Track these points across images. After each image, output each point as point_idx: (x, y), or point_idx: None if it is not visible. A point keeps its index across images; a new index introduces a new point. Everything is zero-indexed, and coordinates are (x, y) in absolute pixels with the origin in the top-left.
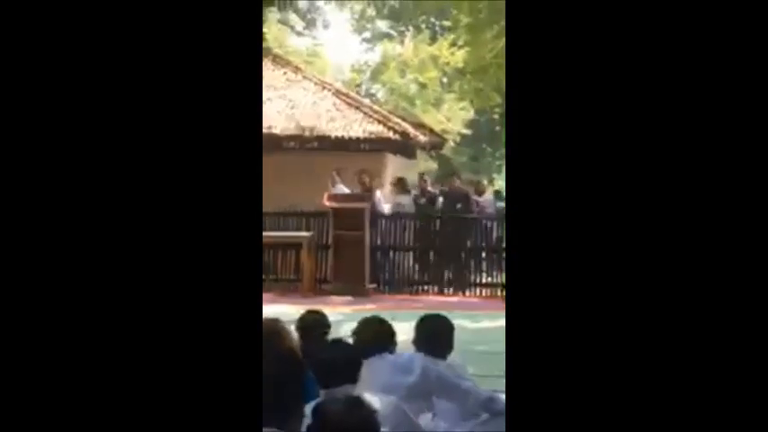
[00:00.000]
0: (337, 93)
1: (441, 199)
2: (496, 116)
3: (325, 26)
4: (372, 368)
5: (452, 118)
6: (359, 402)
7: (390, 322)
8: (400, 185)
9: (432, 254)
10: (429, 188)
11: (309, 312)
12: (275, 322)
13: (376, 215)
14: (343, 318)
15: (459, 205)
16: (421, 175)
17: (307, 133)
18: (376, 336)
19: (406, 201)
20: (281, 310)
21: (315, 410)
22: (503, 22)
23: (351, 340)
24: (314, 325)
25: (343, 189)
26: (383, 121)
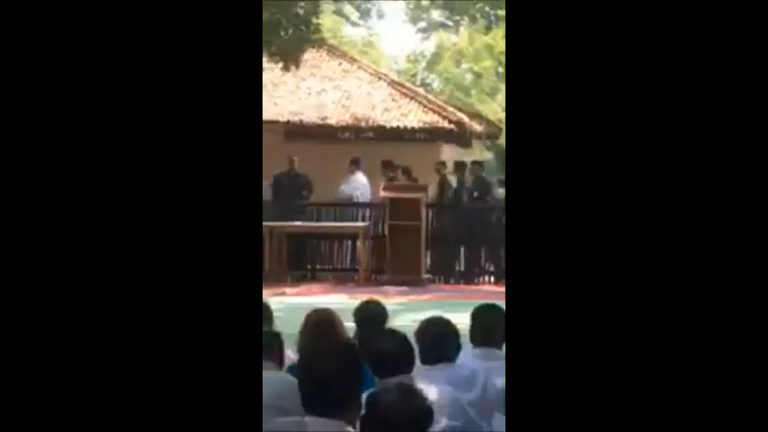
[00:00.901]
0: (392, 83)
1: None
2: None
3: (380, 16)
4: (431, 380)
5: None
6: (413, 392)
7: (453, 323)
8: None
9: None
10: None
11: (367, 302)
12: (328, 313)
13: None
14: (400, 308)
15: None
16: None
17: (362, 124)
18: (438, 341)
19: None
20: (338, 300)
21: (369, 400)
22: None
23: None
24: (371, 315)
25: (361, 179)
26: (438, 111)
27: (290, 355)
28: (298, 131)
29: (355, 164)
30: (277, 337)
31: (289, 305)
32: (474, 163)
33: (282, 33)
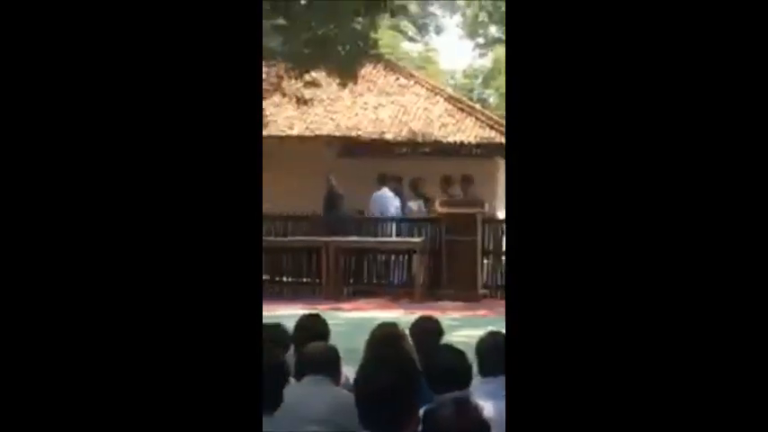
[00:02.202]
0: (449, 98)
1: None
2: None
3: (438, 32)
4: (489, 395)
5: None
6: (470, 407)
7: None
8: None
9: None
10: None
11: (423, 318)
12: (394, 328)
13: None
14: (456, 323)
15: None
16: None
17: (419, 139)
18: (500, 352)
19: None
20: (393, 316)
21: (426, 415)
22: None
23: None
24: (427, 331)
25: (387, 193)
26: (495, 127)
27: (346, 370)
28: (354, 147)
29: (381, 180)
30: (333, 352)
31: (345, 320)
32: None
33: (340, 48)
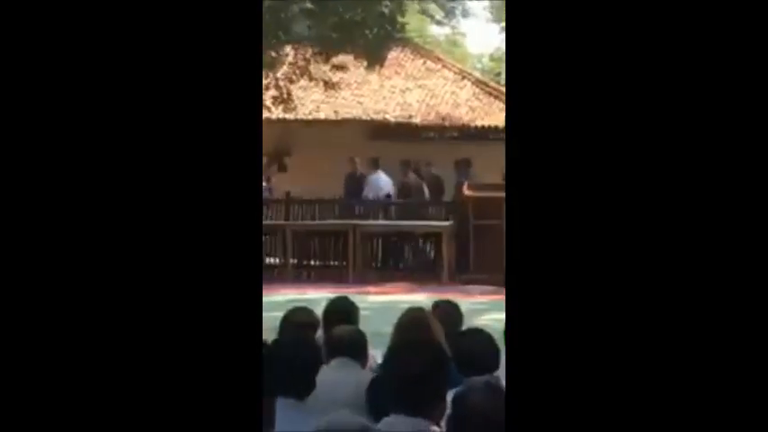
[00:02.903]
0: (477, 82)
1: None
2: None
3: (465, 15)
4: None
5: None
6: (499, 390)
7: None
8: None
9: None
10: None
11: (442, 302)
12: (423, 312)
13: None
14: (483, 306)
15: None
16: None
17: (446, 122)
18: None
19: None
20: (421, 299)
21: (455, 399)
22: None
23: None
24: (446, 315)
25: (383, 178)
26: None
27: (373, 353)
28: (382, 130)
29: (374, 164)
30: (361, 336)
31: (372, 304)
32: None
33: (367, 32)
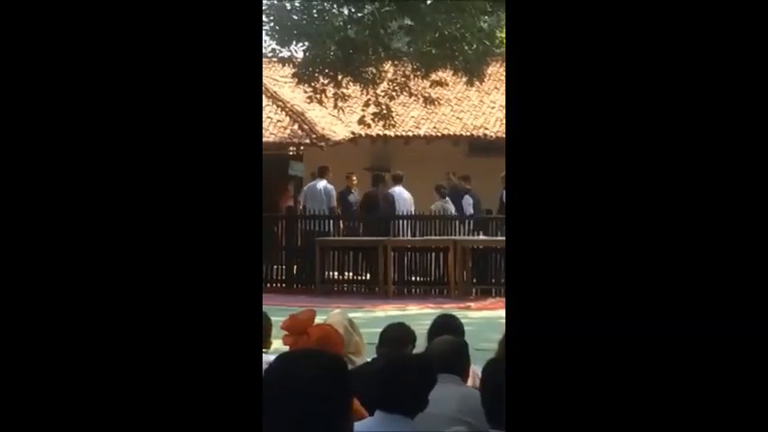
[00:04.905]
0: None
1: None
2: None
3: None
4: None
5: None
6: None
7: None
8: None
9: None
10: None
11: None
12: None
13: None
14: None
15: None
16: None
17: None
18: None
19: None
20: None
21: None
22: None
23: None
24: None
25: (403, 192)
26: None
27: (474, 368)
28: (481, 145)
29: (398, 180)
30: (464, 349)
31: (473, 319)
32: None
33: (466, 48)
